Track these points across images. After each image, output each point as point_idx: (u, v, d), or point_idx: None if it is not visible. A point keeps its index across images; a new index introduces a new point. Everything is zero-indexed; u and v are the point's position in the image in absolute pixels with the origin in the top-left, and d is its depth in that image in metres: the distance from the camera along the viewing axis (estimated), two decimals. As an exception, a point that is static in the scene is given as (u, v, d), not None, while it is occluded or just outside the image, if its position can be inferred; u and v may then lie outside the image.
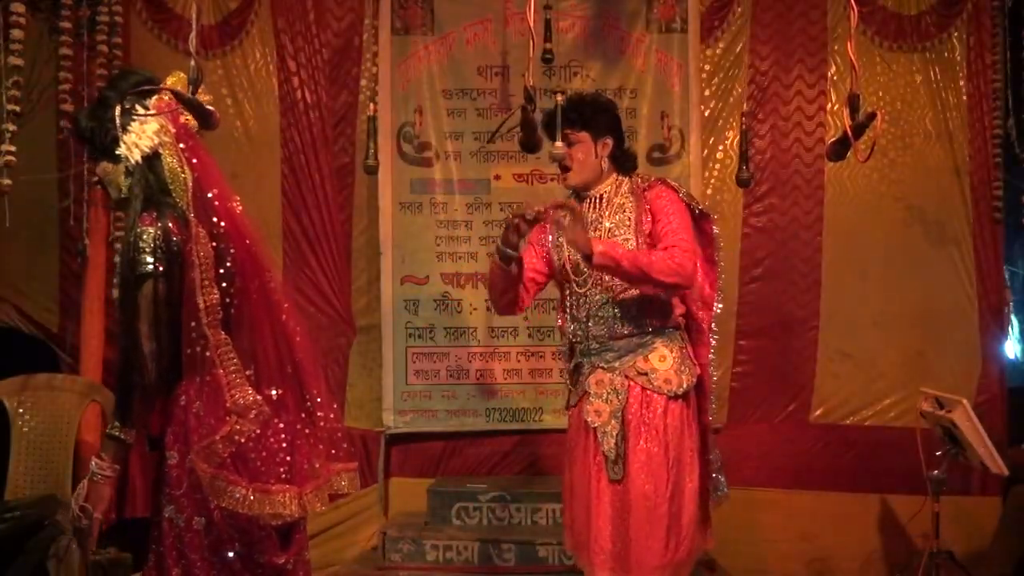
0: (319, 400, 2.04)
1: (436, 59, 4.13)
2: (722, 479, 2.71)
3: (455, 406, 4.12)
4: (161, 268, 1.90)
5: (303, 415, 2.01)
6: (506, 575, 3.59)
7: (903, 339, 4.10)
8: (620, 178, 2.68)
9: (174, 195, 1.98)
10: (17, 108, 3.33)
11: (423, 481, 4.04)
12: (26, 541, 3.21)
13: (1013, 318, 4.31)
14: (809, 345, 4.13)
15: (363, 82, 4.15)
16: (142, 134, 1.96)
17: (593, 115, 2.63)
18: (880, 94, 4.12)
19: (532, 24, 2.65)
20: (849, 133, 2.23)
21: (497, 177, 4.15)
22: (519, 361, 4.13)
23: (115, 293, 2.00)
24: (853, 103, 2.23)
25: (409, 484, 4.11)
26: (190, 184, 1.96)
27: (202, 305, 1.91)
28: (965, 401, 3.22)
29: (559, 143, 2.57)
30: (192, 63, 1.94)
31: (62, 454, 3.54)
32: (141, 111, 1.96)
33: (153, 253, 1.90)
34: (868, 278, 4.12)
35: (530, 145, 2.95)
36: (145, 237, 1.91)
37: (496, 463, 4.17)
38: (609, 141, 2.65)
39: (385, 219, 4.10)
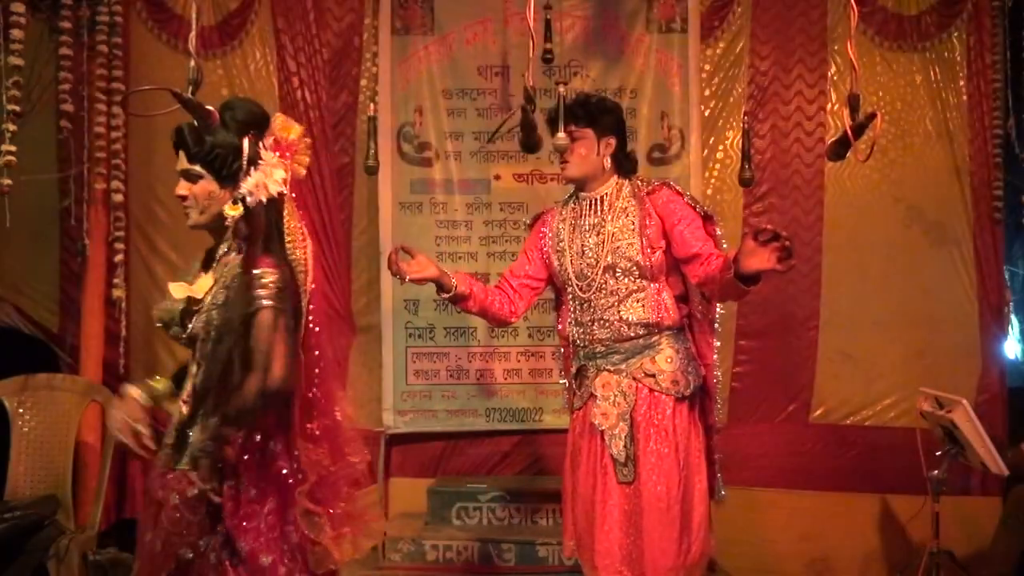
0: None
1: (436, 59, 4.13)
2: (719, 481, 2.72)
3: (455, 406, 4.12)
4: (281, 306, 1.87)
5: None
6: (506, 575, 3.59)
7: (903, 339, 4.09)
8: (621, 180, 2.68)
9: (290, 246, 1.96)
10: (17, 108, 3.34)
11: (423, 481, 4.04)
12: (26, 541, 3.21)
13: (1013, 318, 4.30)
14: (809, 345, 4.12)
15: (363, 82, 4.15)
16: (271, 175, 1.93)
17: (599, 114, 2.63)
18: (880, 94, 4.12)
19: (532, 24, 2.65)
20: (849, 133, 2.24)
21: (497, 177, 4.15)
22: (519, 361, 4.13)
23: (204, 332, 1.96)
24: (853, 103, 2.23)
25: (409, 484, 4.11)
26: (307, 239, 1.98)
27: (317, 354, 1.96)
28: (965, 401, 3.22)
29: (561, 134, 2.57)
30: (192, 63, 1.95)
31: (62, 454, 3.54)
32: (264, 154, 1.94)
33: (276, 294, 1.87)
34: (868, 278, 4.12)
35: (530, 145, 2.95)
36: (266, 279, 1.87)
37: (496, 463, 4.17)
38: (612, 141, 2.65)
39: (385, 219, 4.10)
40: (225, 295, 1.95)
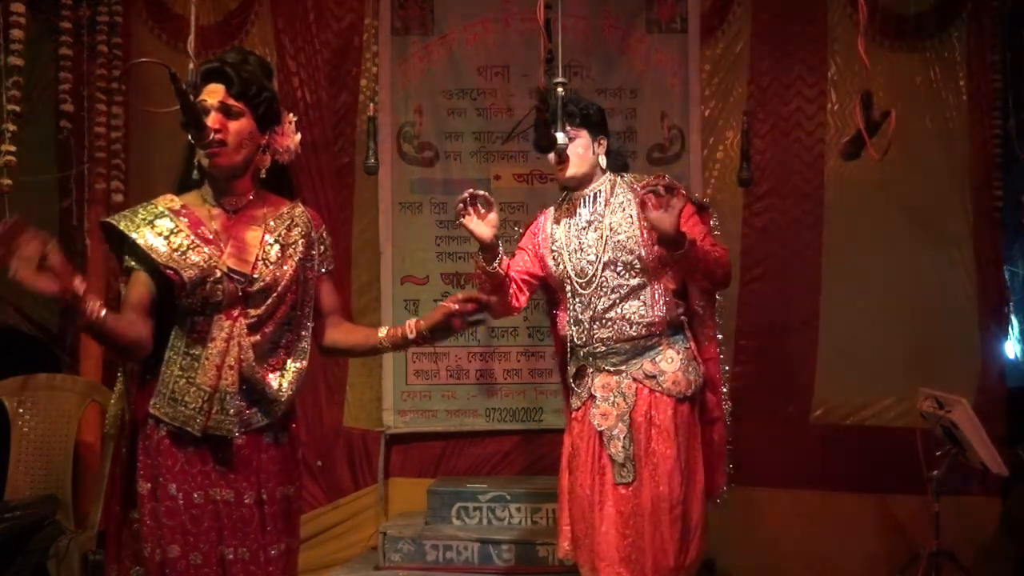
0: None
1: (436, 59, 4.13)
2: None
3: (455, 406, 4.12)
4: None
5: None
6: (506, 575, 3.59)
7: (903, 339, 4.09)
8: (613, 177, 2.68)
9: None
10: (17, 108, 3.33)
11: (423, 481, 4.04)
12: (26, 541, 3.21)
13: (1013, 318, 4.29)
14: (809, 345, 4.12)
15: (363, 82, 4.16)
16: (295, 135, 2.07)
17: (592, 114, 2.64)
18: (880, 94, 4.10)
19: (542, 24, 2.64)
20: (863, 131, 2.23)
21: (497, 177, 4.15)
22: (519, 361, 4.13)
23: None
24: (866, 101, 2.22)
25: (409, 484, 4.11)
26: None
27: None
28: (965, 401, 3.21)
29: (561, 134, 2.56)
30: (191, 66, 1.93)
31: (62, 454, 3.54)
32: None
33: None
34: (868, 278, 4.12)
35: (544, 145, 2.94)
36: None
37: (496, 463, 4.17)
38: (604, 140, 2.67)
39: (385, 219, 4.10)
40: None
